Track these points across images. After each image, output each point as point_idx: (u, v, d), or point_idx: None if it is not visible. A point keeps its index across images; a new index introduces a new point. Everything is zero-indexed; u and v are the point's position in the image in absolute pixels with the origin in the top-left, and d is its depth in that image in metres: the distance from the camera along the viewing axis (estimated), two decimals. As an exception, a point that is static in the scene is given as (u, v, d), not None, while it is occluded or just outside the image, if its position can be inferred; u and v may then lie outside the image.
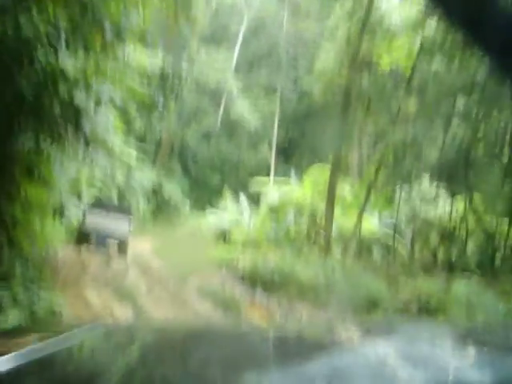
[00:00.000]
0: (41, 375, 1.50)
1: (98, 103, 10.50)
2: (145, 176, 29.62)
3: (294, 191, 19.61)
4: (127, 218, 19.20)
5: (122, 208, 19.96)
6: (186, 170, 35.30)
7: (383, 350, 1.68)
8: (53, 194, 14.17)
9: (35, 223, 11.85)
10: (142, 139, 31.75)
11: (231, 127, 37.39)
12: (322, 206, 17.61)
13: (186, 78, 17.89)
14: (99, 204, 19.65)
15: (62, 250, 15.78)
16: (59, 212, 18.39)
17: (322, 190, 17.56)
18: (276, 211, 19.38)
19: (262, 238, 17.66)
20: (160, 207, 31.75)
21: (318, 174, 19.25)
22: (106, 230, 18.07)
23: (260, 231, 18.96)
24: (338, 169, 17.83)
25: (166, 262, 17.96)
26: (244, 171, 36.24)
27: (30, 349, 1.61)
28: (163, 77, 16.26)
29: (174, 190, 32.42)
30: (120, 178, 25.83)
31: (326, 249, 15.79)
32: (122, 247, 18.19)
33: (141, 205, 28.49)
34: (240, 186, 34.10)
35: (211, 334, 2.35)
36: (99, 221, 18.33)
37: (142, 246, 22.29)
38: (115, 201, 22.98)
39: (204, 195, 34.41)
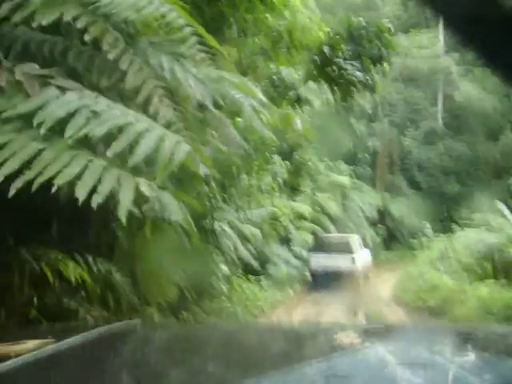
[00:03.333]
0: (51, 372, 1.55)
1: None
2: (365, 200, 24.30)
3: None
4: (353, 253, 16.57)
5: (346, 242, 17.12)
6: (412, 182, 28.93)
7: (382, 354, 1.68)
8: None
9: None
10: (353, 159, 26.73)
11: (457, 118, 30.07)
12: None
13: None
14: (320, 243, 17.27)
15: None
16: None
17: None
18: None
19: None
20: (391, 232, 25.98)
21: None
22: (331, 270, 15.56)
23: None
24: None
25: (415, 311, 12.19)
26: (487, 168, 28.61)
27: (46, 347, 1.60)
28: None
29: (404, 209, 26.37)
30: (333, 207, 20.88)
31: None
32: (353, 287, 15.51)
33: (367, 233, 23.17)
34: (488, 187, 26.74)
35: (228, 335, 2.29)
36: (322, 261, 15.98)
37: (377, 285, 16.97)
38: (336, 235, 19.09)
39: (442, 209, 27.64)
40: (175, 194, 4.17)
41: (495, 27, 1.04)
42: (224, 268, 10.77)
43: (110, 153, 2.66)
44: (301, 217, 18.34)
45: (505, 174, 26.93)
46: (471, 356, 1.76)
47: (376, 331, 1.93)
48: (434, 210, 27.35)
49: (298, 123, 11.80)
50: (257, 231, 12.70)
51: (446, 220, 24.43)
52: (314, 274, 15.89)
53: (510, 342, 2.02)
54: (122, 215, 2.65)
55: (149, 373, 1.53)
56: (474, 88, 29.41)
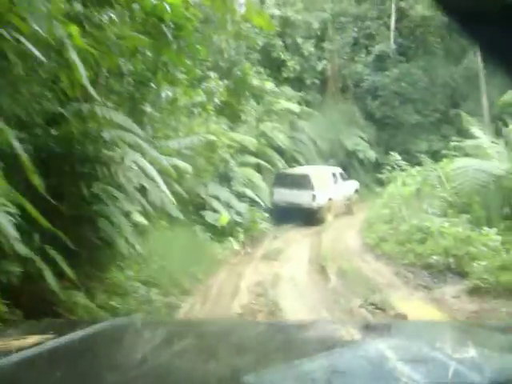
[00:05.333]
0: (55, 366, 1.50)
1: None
2: (315, 130, 20.94)
3: None
4: (313, 190, 15.11)
5: (306, 177, 15.56)
6: (365, 111, 25.70)
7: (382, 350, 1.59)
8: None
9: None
10: (299, 82, 23.10)
11: (414, 40, 26.77)
12: None
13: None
14: (283, 177, 15.97)
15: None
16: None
17: None
18: None
19: None
20: (345, 167, 22.80)
21: None
22: (293, 207, 14.68)
23: None
24: None
25: (408, 270, 9.20)
26: (446, 96, 25.70)
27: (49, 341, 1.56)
28: None
29: (357, 141, 23.27)
30: (282, 138, 17.47)
31: None
32: (316, 219, 14.88)
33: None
34: (447, 117, 24.08)
35: (231, 329, 2.25)
36: (284, 197, 15.02)
37: (342, 229, 14.11)
38: (297, 169, 17.28)
39: (398, 140, 24.67)
40: None
41: (497, 24, 1.02)
42: (138, 218, 7.20)
43: None
44: (244, 150, 14.80)
45: (465, 101, 24.32)
46: (471, 352, 1.69)
47: (376, 327, 1.85)
48: (388, 140, 24.47)
49: (242, 3, 8.09)
50: (187, 166, 9.14)
51: (404, 151, 21.37)
52: (276, 211, 14.73)
53: (510, 337, 1.97)
54: None
55: (150, 367, 1.49)
56: (432, 4, 26.03)
